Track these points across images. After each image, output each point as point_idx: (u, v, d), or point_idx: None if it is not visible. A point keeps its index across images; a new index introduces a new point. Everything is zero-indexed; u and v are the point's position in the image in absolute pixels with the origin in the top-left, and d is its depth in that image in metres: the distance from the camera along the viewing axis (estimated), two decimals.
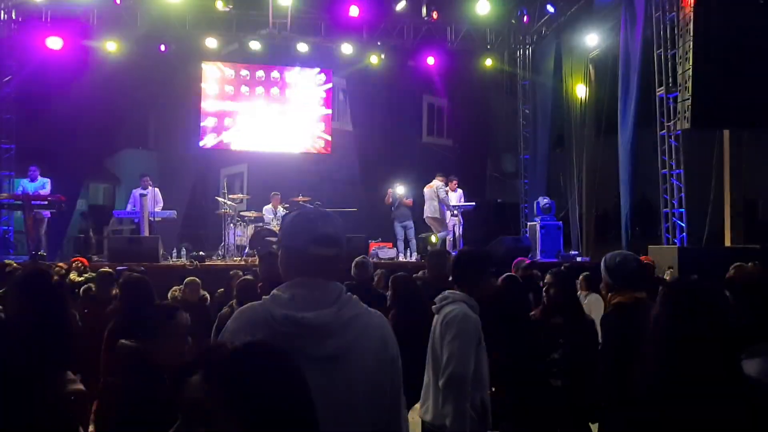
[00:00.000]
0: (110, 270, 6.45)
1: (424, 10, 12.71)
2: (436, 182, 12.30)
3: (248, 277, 5.99)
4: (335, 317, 1.93)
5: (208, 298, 7.24)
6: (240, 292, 4.64)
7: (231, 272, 7.77)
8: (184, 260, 10.43)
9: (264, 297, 2.01)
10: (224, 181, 11.98)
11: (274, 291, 2.00)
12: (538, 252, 11.98)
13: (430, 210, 12.22)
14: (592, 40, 13.43)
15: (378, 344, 2.04)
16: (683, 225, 9.96)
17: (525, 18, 13.47)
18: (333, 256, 2.04)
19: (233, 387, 1.37)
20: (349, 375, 1.91)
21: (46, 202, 10.78)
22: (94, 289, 5.96)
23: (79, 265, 8.41)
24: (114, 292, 5.32)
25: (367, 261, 6.91)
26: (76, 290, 6.51)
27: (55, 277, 6.67)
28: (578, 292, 8.76)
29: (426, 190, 12.34)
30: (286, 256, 2.06)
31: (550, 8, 13.11)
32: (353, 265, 6.79)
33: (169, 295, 6.98)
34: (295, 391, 1.44)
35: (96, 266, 9.46)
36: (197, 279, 7.11)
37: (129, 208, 11.85)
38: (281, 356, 1.49)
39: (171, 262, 10.25)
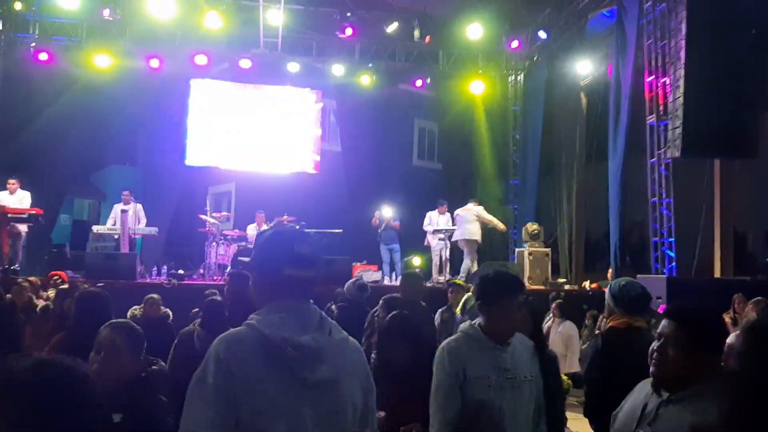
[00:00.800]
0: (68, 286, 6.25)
1: (416, 33, 12.61)
2: (472, 206, 12.19)
3: (216, 297, 5.78)
4: (328, 341, 1.91)
5: (170, 315, 7.03)
6: (206, 312, 4.42)
7: (206, 291, 7.55)
8: (162, 278, 10.19)
9: (250, 319, 1.90)
10: (208, 199, 11.77)
11: (257, 314, 1.92)
12: (525, 279, 11.80)
13: (469, 232, 11.99)
14: (583, 67, 13.41)
15: (362, 371, 2.00)
16: (672, 255, 9.80)
17: (517, 43, 13.39)
18: (310, 277, 1.98)
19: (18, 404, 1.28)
20: (339, 400, 1.89)
21: (25, 216, 10.52)
22: (52, 306, 5.74)
23: (58, 279, 8.16)
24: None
25: (365, 282, 6.85)
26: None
27: (9, 295, 6.41)
28: (551, 320, 8.64)
29: (463, 212, 12.11)
30: (261, 278, 1.99)
31: (542, 34, 13.09)
32: (351, 285, 6.67)
33: (128, 313, 6.75)
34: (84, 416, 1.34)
35: (73, 282, 9.22)
36: (156, 296, 6.91)
37: (110, 223, 11.60)
38: (76, 376, 1.38)
39: (148, 280, 10.00)
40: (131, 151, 19.69)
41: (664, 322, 2.24)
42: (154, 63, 13.45)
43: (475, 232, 11.97)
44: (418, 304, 5.51)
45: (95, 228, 11.44)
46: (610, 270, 12.14)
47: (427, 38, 12.43)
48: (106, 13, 12.13)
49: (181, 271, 10.07)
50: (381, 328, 4.43)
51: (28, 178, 13.16)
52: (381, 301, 5.33)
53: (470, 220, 12.04)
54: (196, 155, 14.58)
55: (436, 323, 6.42)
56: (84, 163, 17.29)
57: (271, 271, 1.94)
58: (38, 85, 13.11)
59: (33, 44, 12.95)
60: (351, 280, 6.82)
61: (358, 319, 6.78)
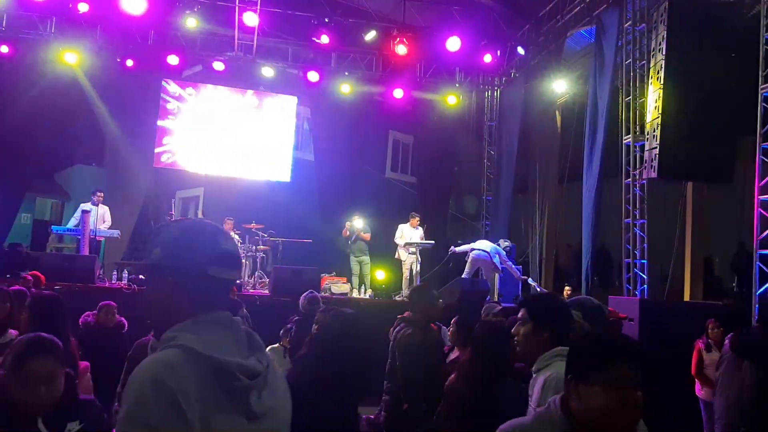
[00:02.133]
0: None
1: (397, 45, 12.42)
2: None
3: None
4: (267, 364, 1.61)
5: (126, 324, 6.68)
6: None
7: None
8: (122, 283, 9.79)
9: (178, 338, 1.50)
10: (174, 202, 11.40)
11: (185, 330, 1.52)
12: (496, 296, 11.64)
13: None
14: (560, 86, 13.39)
15: (287, 398, 1.69)
16: (644, 276, 9.72)
17: (494, 59, 13.30)
18: (233, 281, 1.64)
19: None
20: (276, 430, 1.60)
21: None
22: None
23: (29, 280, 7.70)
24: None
25: (316, 295, 6.58)
26: None
27: None
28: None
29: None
30: (181, 280, 1.56)
31: (520, 50, 13.01)
32: (303, 298, 6.44)
33: (81, 320, 6.37)
34: None
35: (26, 285, 8.79)
36: (113, 303, 6.56)
37: (73, 223, 11.16)
38: None
39: (107, 285, 9.60)
40: (98, 151, 19.18)
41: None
42: (128, 63, 13.10)
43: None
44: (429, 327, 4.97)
45: (54, 228, 10.97)
46: (567, 289, 12.09)
47: (405, 48, 12.22)
48: (84, 7, 11.66)
49: (142, 276, 9.66)
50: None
51: None
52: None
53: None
54: (164, 157, 14.20)
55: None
56: (48, 161, 16.80)
57: (193, 271, 1.55)
58: (1, 79, 12.68)
59: None
60: (304, 294, 6.54)
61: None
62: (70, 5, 12.15)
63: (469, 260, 11.42)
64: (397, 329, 5.06)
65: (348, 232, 12.02)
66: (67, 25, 12.80)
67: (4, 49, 12.44)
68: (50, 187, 20.12)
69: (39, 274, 7.28)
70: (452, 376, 3.78)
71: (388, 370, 4.94)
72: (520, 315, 2.75)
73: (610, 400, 1.75)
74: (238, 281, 10.13)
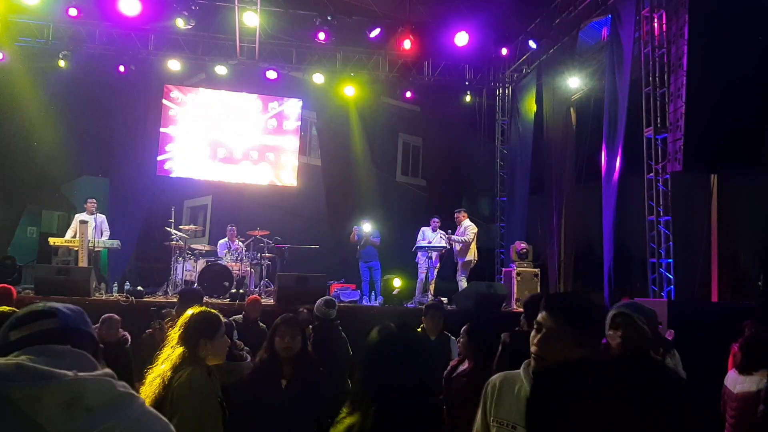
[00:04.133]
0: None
1: (403, 41, 11.95)
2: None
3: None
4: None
5: (129, 338, 6.27)
6: None
7: (164, 311, 6.80)
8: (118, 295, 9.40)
9: None
10: (173, 211, 10.98)
11: None
12: (513, 301, 11.12)
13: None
14: (574, 82, 12.86)
15: None
16: (671, 277, 9.13)
17: (506, 53, 12.78)
18: None
19: None
20: None
21: None
22: None
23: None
24: None
25: (332, 298, 6.45)
26: None
27: None
28: None
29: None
30: None
31: (532, 44, 12.50)
32: (320, 302, 6.26)
33: None
34: None
35: (23, 299, 8.41)
36: (116, 316, 6.14)
37: (69, 234, 10.79)
38: None
39: (104, 297, 9.19)
40: (104, 162, 18.84)
41: None
42: (127, 68, 12.77)
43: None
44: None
45: (51, 240, 10.59)
46: None
47: (410, 43, 11.74)
48: (73, 12, 11.31)
49: (139, 288, 9.26)
50: None
51: None
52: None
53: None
54: (169, 165, 13.83)
55: None
56: (52, 173, 16.50)
57: None
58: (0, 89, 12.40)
59: None
60: (321, 298, 6.26)
61: (333, 339, 6.12)
62: (66, 10, 11.86)
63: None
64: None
65: (356, 237, 11.53)
66: (65, 32, 12.49)
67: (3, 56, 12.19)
68: (56, 199, 19.82)
69: (9, 286, 6.84)
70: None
71: None
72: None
73: None
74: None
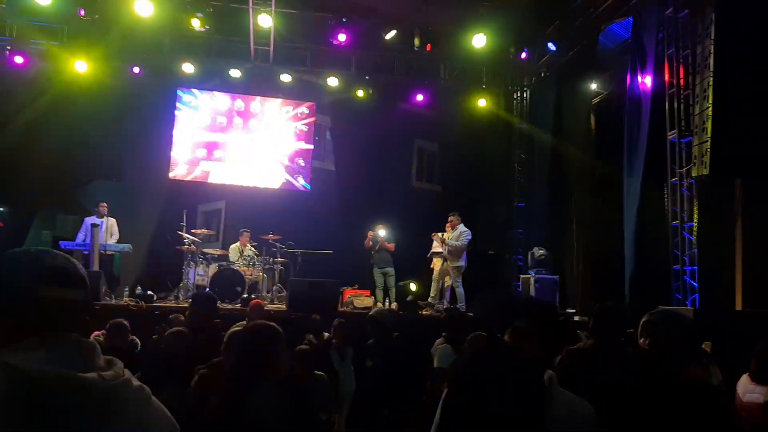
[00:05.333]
0: None
1: (416, 41, 11.74)
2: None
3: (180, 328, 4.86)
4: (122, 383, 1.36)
5: (139, 344, 6.10)
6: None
7: (171, 316, 6.64)
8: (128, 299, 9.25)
9: None
10: (184, 214, 10.83)
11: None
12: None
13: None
14: (594, 86, 12.62)
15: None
16: (695, 284, 8.83)
17: (524, 55, 12.51)
18: (76, 300, 1.41)
19: None
20: None
21: None
22: None
23: None
24: None
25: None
26: None
27: None
28: None
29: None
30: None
31: (551, 46, 12.24)
32: (384, 311, 6.09)
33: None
34: None
35: None
36: (124, 321, 5.96)
37: (80, 238, 10.68)
38: None
39: (113, 302, 9.04)
40: (118, 165, 18.80)
41: None
42: (140, 71, 12.70)
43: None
44: None
45: (62, 243, 10.48)
46: None
47: (428, 46, 11.53)
48: (83, 12, 11.25)
49: (150, 292, 9.11)
50: None
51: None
52: None
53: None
54: (182, 169, 13.72)
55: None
56: (66, 176, 16.44)
57: (14, 297, 1.32)
58: (14, 91, 12.33)
59: (9, 48, 12.15)
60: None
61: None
62: (80, 13, 11.80)
63: None
64: None
65: (370, 242, 11.32)
66: (79, 34, 12.40)
67: (18, 59, 12.13)
68: (71, 203, 19.81)
69: None
70: None
71: None
72: None
73: None
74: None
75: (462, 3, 12.04)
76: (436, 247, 11.24)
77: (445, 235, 11.03)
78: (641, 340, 3.08)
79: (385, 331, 5.23)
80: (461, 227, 11.20)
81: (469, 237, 11.10)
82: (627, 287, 10.00)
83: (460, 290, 10.83)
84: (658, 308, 3.18)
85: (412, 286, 10.68)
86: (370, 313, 5.66)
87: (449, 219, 11.25)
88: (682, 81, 8.94)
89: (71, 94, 12.61)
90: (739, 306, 10.36)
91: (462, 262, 11.02)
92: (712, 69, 7.88)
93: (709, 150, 7.80)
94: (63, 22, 12.16)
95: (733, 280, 10.46)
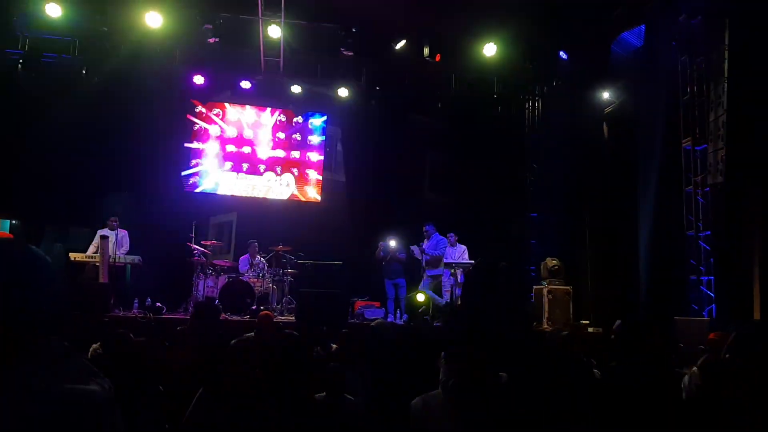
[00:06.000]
0: None
1: (425, 51, 11.66)
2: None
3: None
4: None
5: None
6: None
7: (178, 328, 6.55)
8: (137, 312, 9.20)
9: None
10: (194, 226, 10.79)
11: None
12: (544, 320, 10.69)
13: None
14: (606, 95, 12.49)
15: None
16: (712, 295, 8.65)
17: (535, 66, 12.40)
18: None
19: None
20: None
21: None
22: None
23: None
24: None
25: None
26: None
27: None
28: None
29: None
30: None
31: (563, 55, 12.14)
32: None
33: (90, 350, 5.73)
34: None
35: None
36: (131, 335, 5.88)
37: (91, 250, 10.68)
38: None
39: (121, 314, 8.99)
40: (131, 178, 18.87)
41: None
42: (151, 83, 12.72)
43: None
44: None
45: (72, 255, 10.47)
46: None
47: (437, 56, 11.44)
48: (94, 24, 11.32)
49: (158, 304, 9.06)
50: None
51: (10, 204, 12.45)
52: None
53: None
54: (193, 180, 13.72)
55: None
56: (80, 189, 16.49)
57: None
58: (26, 104, 12.38)
59: (21, 61, 12.20)
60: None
61: None
62: (93, 26, 11.85)
63: None
64: None
65: (381, 253, 11.22)
66: (90, 47, 12.44)
67: (30, 73, 12.19)
68: (84, 215, 19.88)
69: None
70: None
71: None
72: None
73: None
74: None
75: (472, 12, 11.97)
76: (446, 260, 11.16)
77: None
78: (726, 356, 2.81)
79: (384, 344, 5.08)
80: (437, 236, 11.13)
81: (446, 244, 11.02)
82: (642, 298, 9.83)
83: (447, 296, 10.74)
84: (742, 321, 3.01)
85: (420, 297, 10.56)
86: (371, 325, 5.54)
87: (425, 230, 11.18)
88: (696, 88, 8.82)
89: (83, 107, 12.63)
90: (756, 316, 10.16)
91: (440, 271, 10.95)
92: (726, 75, 7.74)
93: (724, 157, 7.65)
94: (74, 35, 12.19)
95: (751, 290, 10.26)
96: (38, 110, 12.40)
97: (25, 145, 12.53)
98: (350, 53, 11.45)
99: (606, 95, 12.49)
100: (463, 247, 11.35)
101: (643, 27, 10.68)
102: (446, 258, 11.17)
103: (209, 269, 10.73)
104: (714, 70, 8.21)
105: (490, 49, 11.50)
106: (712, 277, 8.69)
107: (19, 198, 13.27)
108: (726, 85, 7.76)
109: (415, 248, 11.12)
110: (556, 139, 13.32)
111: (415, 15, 12.02)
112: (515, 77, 13.75)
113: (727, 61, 7.78)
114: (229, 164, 13.86)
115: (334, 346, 6.34)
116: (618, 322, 3.55)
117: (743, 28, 7.81)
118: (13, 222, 14.74)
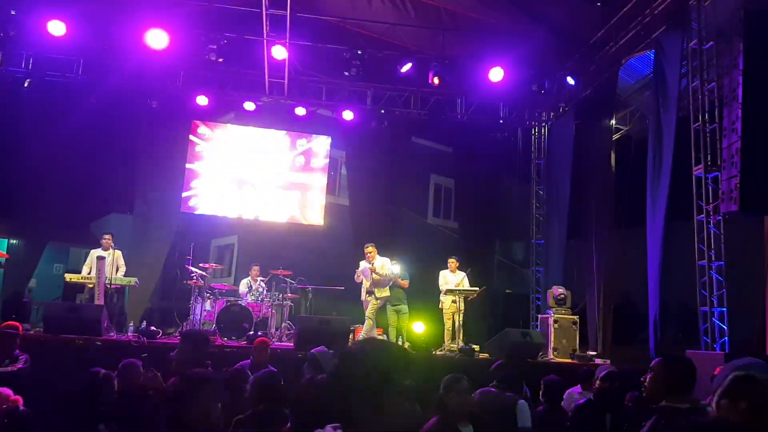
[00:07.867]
0: None
1: (435, 80, 11.45)
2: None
3: None
4: None
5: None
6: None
7: (170, 354, 6.29)
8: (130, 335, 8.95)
9: None
10: (192, 247, 10.57)
11: None
12: (550, 350, 10.39)
13: None
14: (614, 121, 12.31)
15: None
16: (725, 327, 8.36)
17: (542, 91, 12.22)
18: None
19: None
20: None
21: None
22: None
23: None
24: None
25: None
26: None
27: None
28: None
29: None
30: None
31: (570, 80, 11.98)
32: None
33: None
34: None
35: (30, 337, 8.03)
36: (137, 362, 5.62)
37: (85, 271, 10.46)
38: None
39: (114, 337, 8.74)
40: (132, 198, 18.73)
41: None
42: (156, 105, 12.60)
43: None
44: None
45: (68, 276, 10.25)
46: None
47: (439, 80, 11.24)
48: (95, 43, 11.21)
49: (153, 328, 8.80)
50: None
51: (9, 223, 12.30)
52: None
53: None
54: (194, 202, 13.52)
55: None
56: (80, 209, 16.37)
57: None
58: (27, 123, 12.26)
59: (28, 80, 12.08)
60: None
61: None
62: (97, 46, 11.75)
63: None
64: None
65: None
66: (95, 67, 12.35)
67: (32, 92, 12.06)
68: (84, 236, 19.73)
69: (16, 323, 6.41)
70: None
71: None
72: None
73: None
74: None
75: (479, 36, 11.86)
76: (444, 284, 10.84)
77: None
78: (725, 401, 2.57)
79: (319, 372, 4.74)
80: (380, 258, 10.61)
81: (392, 266, 10.61)
82: (651, 330, 9.52)
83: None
84: (742, 361, 2.78)
85: (419, 326, 10.23)
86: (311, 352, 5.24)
87: (367, 250, 10.58)
88: (707, 114, 8.62)
89: (85, 127, 12.51)
90: None
91: (388, 293, 10.48)
92: (740, 101, 7.55)
93: (739, 185, 7.42)
94: (78, 54, 12.11)
95: (764, 322, 9.96)
96: (41, 129, 12.28)
97: (27, 163, 12.39)
98: (355, 75, 11.28)
99: (614, 122, 12.31)
100: (463, 273, 11.04)
101: (652, 52, 10.53)
102: (449, 284, 10.84)
103: (207, 292, 10.48)
104: (727, 96, 8.02)
105: (496, 74, 11.34)
106: (725, 309, 8.40)
107: (18, 218, 13.14)
108: (741, 111, 7.55)
109: (365, 271, 10.52)
110: (562, 165, 13.10)
111: (421, 38, 11.92)
112: (522, 102, 13.61)
113: (741, 86, 7.58)
114: (230, 186, 13.68)
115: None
116: (658, 359, 3.27)
117: (759, 53, 7.63)
118: (12, 241, 14.61)
